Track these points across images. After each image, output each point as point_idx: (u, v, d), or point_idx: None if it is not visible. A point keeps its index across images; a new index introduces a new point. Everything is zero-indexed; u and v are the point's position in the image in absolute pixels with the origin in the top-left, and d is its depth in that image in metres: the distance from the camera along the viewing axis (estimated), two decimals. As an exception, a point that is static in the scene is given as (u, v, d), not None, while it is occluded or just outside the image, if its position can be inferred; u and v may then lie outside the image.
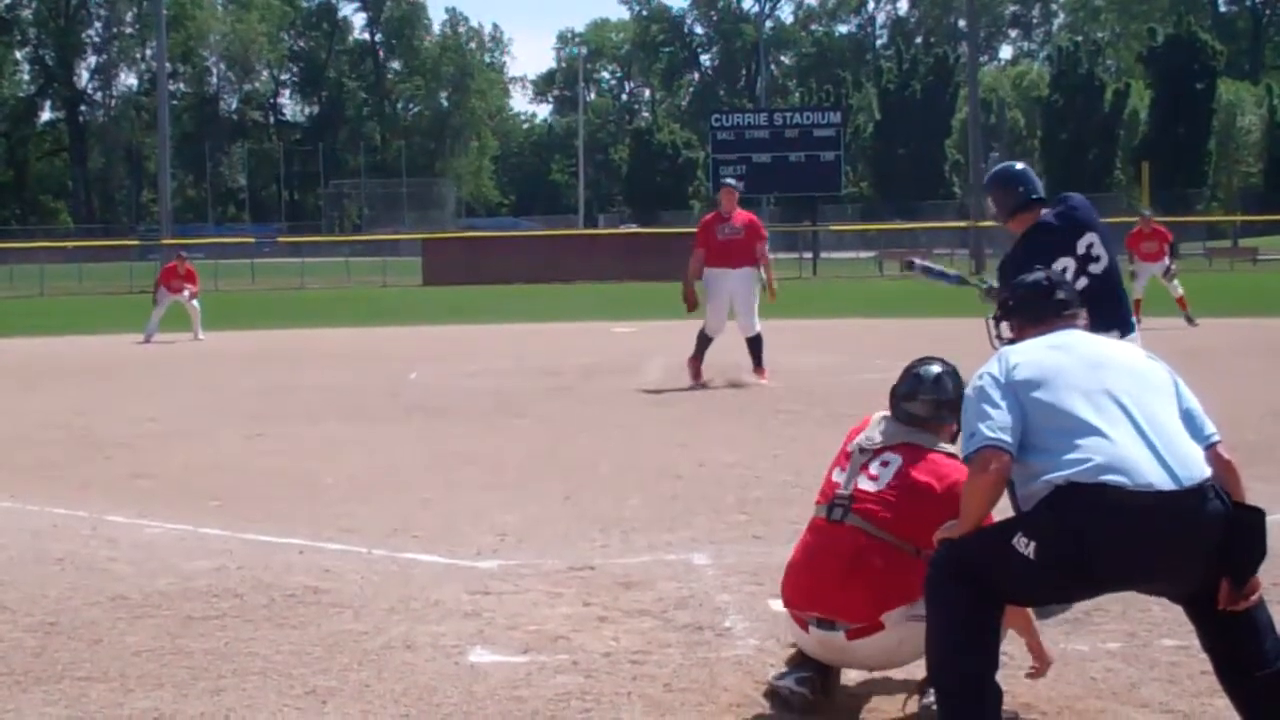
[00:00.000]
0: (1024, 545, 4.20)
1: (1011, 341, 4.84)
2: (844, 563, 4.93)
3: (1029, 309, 4.87)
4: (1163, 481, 4.13)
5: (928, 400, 5.19)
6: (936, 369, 5.26)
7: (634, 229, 66.67)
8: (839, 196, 64.75)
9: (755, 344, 15.51)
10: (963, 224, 57.92)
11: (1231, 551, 4.17)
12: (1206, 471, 4.20)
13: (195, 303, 24.81)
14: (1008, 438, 4.28)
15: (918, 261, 8.35)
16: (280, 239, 68.45)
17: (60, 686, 5.41)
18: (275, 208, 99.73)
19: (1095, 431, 4.23)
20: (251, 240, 64.32)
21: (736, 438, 11.68)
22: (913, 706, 4.99)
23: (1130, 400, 4.32)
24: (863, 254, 59.83)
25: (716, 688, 5.26)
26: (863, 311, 29.16)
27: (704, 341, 15.49)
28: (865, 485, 5.03)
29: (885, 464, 5.06)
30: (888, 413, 5.26)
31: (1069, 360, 4.45)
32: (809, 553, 5.11)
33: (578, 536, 7.89)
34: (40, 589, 6.87)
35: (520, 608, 6.38)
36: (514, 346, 21.80)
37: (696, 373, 15.33)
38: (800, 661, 5.15)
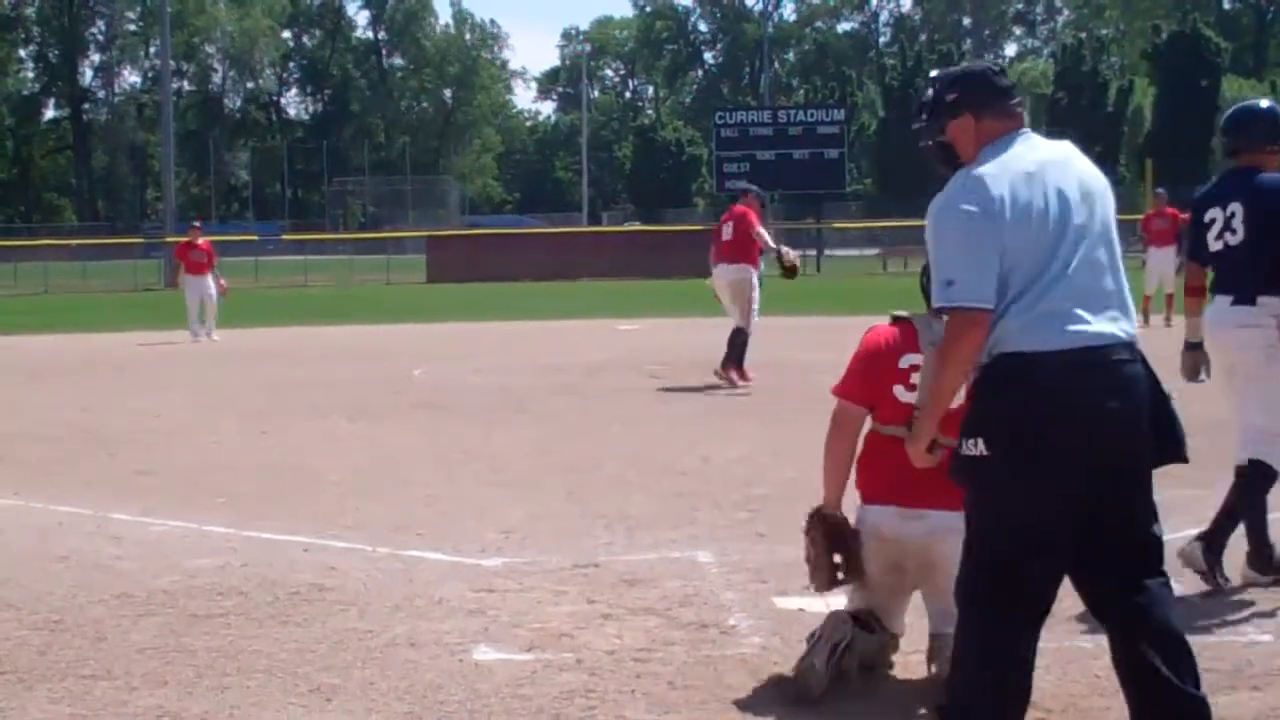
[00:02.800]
0: (973, 447, 4.06)
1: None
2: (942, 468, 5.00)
3: (982, 97, 4.30)
4: (1099, 338, 4.00)
5: None
6: None
7: (638, 226, 66.68)
8: (843, 194, 64.72)
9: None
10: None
11: (1157, 425, 4.10)
12: (1134, 326, 4.12)
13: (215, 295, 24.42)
14: (988, 302, 4.01)
15: None
16: (284, 236, 68.45)
17: (64, 684, 5.41)
18: (279, 205, 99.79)
19: (1041, 287, 4.02)
20: (255, 238, 64.32)
21: (741, 434, 11.67)
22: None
23: (1083, 240, 4.10)
24: (867, 251, 59.77)
25: (721, 686, 5.26)
26: (867, 309, 28.96)
27: (746, 342, 15.20)
28: None
29: None
30: (904, 313, 5.30)
31: (1039, 194, 4.09)
32: (899, 462, 4.97)
33: (582, 534, 7.89)
34: (45, 587, 6.88)
35: (524, 605, 6.38)
36: (518, 344, 21.79)
37: (744, 374, 14.99)
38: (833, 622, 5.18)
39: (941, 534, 5.06)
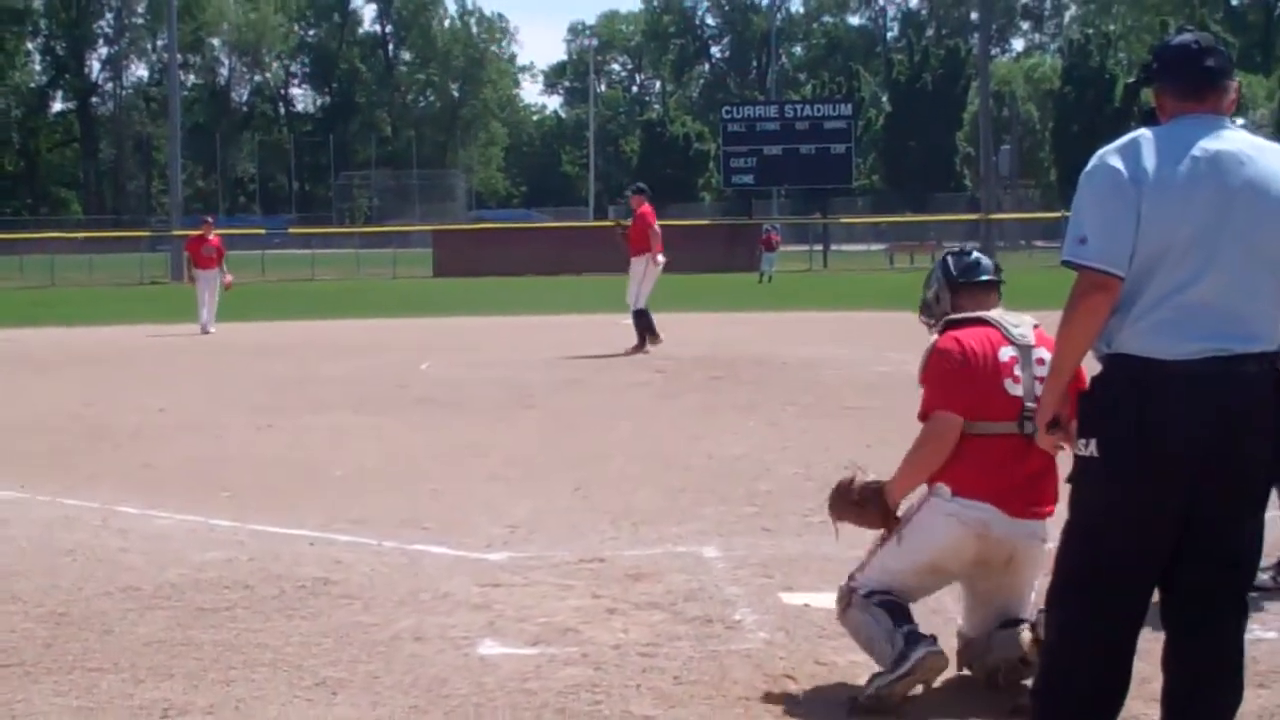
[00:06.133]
0: (1085, 447, 3.95)
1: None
2: (1041, 468, 4.91)
3: (1173, 76, 4.06)
4: (1225, 349, 3.82)
5: (988, 264, 5.34)
6: (971, 247, 5.57)
7: (644, 221, 66.53)
8: (850, 189, 64.70)
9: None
10: (974, 216, 57.82)
11: None
12: (1274, 343, 3.89)
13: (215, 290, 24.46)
14: (1119, 269, 3.84)
15: None
16: (291, 230, 68.50)
17: (71, 677, 5.41)
18: (285, 199, 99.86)
19: (1172, 287, 3.84)
20: (262, 231, 64.30)
21: (746, 430, 11.66)
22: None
23: (1235, 246, 3.86)
24: (874, 246, 59.76)
25: (726, 680, 5.26)
26: (873, 304, 29.11)
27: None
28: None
29: (1042, 361, 4.91)
30: (977, 314, 5.14)
31: (1204, 183, 3.87)
32: (1007, 464, 4.94)
33: (587, 528, 7.89)
34: (51, 580, 6.88)
35: (530, 600, 6.38)
36: (524, 338, 21.80)
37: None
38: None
39: (1040, 537, 5.00)
